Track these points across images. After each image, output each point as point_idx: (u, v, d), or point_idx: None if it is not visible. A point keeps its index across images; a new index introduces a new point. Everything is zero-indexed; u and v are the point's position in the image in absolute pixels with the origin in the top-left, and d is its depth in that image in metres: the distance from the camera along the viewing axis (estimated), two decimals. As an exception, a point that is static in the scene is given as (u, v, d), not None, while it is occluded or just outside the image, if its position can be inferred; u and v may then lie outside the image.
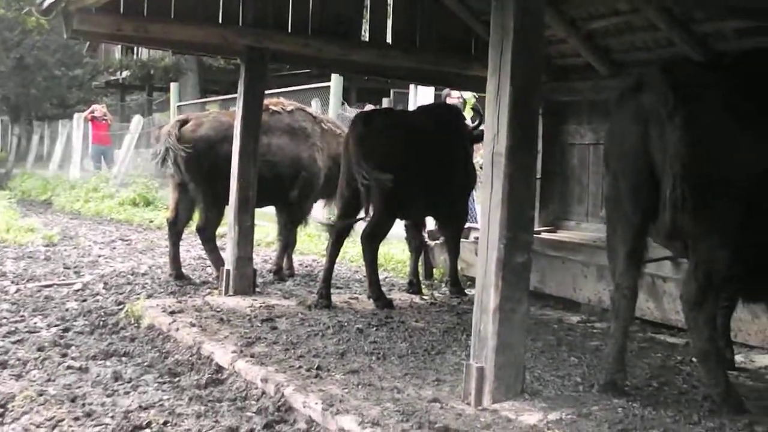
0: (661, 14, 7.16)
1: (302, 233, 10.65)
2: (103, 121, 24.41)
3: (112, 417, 4.59)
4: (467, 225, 8.81)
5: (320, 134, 9.38)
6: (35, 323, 6.89)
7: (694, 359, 5.25)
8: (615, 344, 4.87)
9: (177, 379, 5.38)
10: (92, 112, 24.88)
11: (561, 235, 8.79)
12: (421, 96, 13.10)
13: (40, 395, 4.90)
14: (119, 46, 32.12)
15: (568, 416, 4.39)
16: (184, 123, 8.88)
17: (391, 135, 7.46)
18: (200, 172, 8.56)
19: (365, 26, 8.83)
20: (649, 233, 4.89)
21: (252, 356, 5.51)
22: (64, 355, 5.89)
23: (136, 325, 6.83)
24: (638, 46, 7.96)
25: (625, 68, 8.15)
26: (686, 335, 5.89)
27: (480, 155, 8.53)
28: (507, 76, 4.60)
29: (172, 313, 6.83)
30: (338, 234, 7.61)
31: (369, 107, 14.22)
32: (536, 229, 8.19)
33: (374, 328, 6.57)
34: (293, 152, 9.06)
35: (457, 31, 8.93)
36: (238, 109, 8.02)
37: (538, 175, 8.58)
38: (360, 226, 7.77)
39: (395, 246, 10.44)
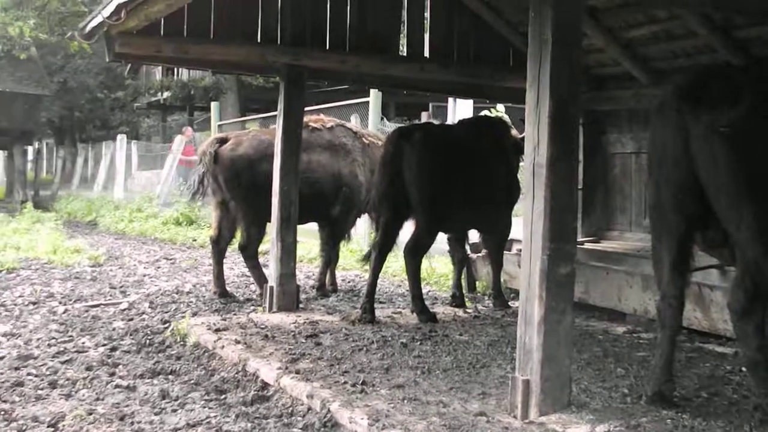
0: (700, 21, 7.10)
1: (345, 249, 10.67)
2: (190, 144, 24.15)
3: (161, 435, 4.63)
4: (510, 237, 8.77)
5: (361, 149, 9.41)
6: (83, 343, 6.97)
7: (743, 369, 5.18)
8: (662, 355, 4.81)
9: (223, 396, 5.40)
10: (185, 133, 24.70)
11: (604, 245, 8.73)
12: (459, 109, 13.10)
13: (90, 414, 4.94)
14: (160, 68, 32.59)
15: (616, 428, 4.35)
16: (221, 141, 8.96)
17: (430, 149, 7.46)
18: (241, 191, 8.63)
19: (402, 41, 8.85)
20: (695, 241, 4.84)
21: (297, 372, 5.52)
22: (112, 374, 5.95)
23: (182, 343, 6.88)
24: (678, 53, 7.89)
25: (665, 76, 8.09)
26: (735, 344, 5.82)
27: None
28: (546, 87, 4.60)
29: (217, 330, 6.88)
30: (381, 248, 7.62)
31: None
32: (579, 239, 8.14)
33: (418, 342, 6.56)
34: (334, 168, 9.09)
35: (494, 44, 8.92)
36: (278, 127, 8.07)
37: (580, 186, 8.55)
38: (402, 241, 7.77)
39: (438, 260, 10.44)
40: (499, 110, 12.64)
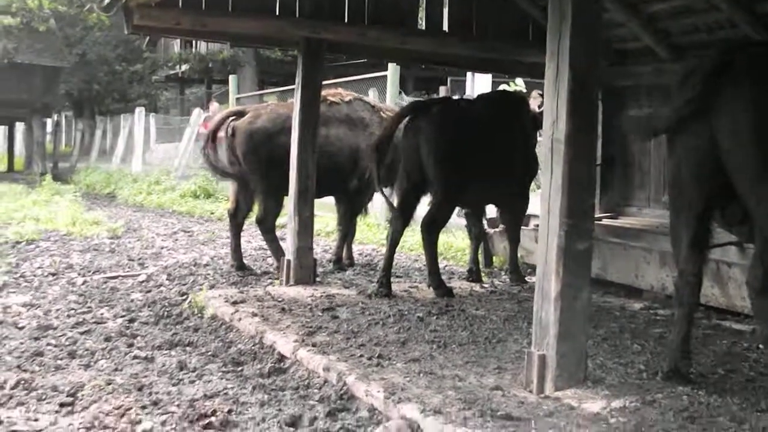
0: (722, -5, 7.03)
1: (362, 223, 10.69)
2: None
3: (178, 405, 4.66)
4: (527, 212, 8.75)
5: (379, 123, 9.36)
6: (102, 314, 7.02)
7: (760, 346, 5.17)
8: (679, 331, 4.80)
9: (240, 368, 5.43)
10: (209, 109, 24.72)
11: (622, 221, 8.70)
12: (478, 84, 13.05)
13: (108, 384, 4.98)
14: (178, 41, 32.62)
15: (632, 404, 4.35)
16: (238, 115, 8.96)
17: (448, 124, 7.44)
18: (259, 164, 8.63)
19: (422, 14, 8.80)
20: (714, 218, 4.82)
21: (314, 345, 5.55)
22: (131, 345, 6.00)
23: (199, 315, 6.93)
24: (699, 28, 7.81)
25: (686, 51, 8.02)
26: (752, 321, 5.80)
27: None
28: (566, 61, 4.56)
29: (234, 303, 6.92)
30: (398, 223, 7.62)
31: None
32: (597, 215, 8.12)
33: (435, 317, 6.57)
34: (352, 142, 9.07)
35: (513, 18, 8.85)
36: (296, 100, 8.06)
37: (599, 161, 8.50)
38: (420, 215, 7.77)
39: (455, 234, 10.43)
40: (518, 84, 12.56)
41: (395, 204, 7.82)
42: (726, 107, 4.39)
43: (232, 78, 24.37)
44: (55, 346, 5.91)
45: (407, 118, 7.58)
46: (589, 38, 4.65)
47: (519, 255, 8.45)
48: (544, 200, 4.71)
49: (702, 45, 7.71)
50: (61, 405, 4.66)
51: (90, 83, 37.25)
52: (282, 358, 5.56)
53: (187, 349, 5.96)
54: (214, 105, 25.20)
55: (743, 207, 4.55)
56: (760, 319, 4.54)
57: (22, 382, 4.97)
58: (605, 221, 8.63)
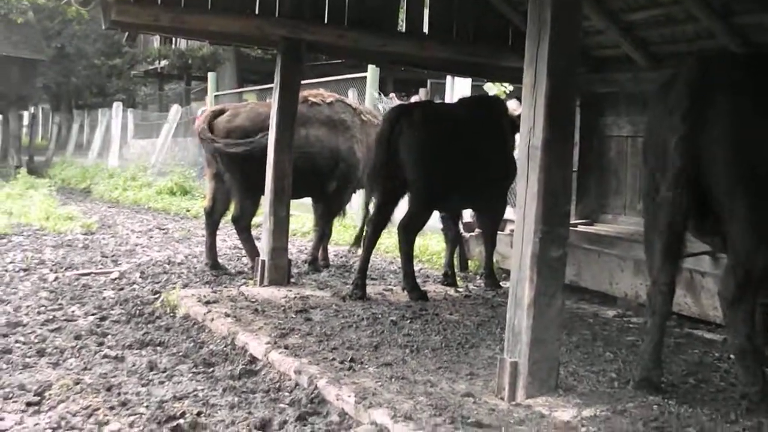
0: (701, 6, 7.06)
1: (338, 224, 10.67)
2: None
3: (147, 406, 4.62)
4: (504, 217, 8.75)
5: (360, 126, 9.37)
6: (73, 312, 6.96)
7: (731, 356, 5.18)
8: (651, 340, 4.80)
9: (211, 369, 5.39)
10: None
11: (598, 229, 8.72)
12: (458, 87, 13.04)
13: (77, 384, 4.94)
14: (158, 36, 32.37)
15: (603, 413, 4.35)
16: (217, 114, 8.92)
17: (428, 128, 7.43)
18: (236, 163, 8.58)
19: (402, 17, 8.79)
20: (688, 228, 4.83)
21: (286, 347, 5.52)
22: (101, 344, 5.94)
23: (171, 314, 6.88)
24: (678, 37, 7.84)
25: (663, 60, 8.05)
26: (724, 331, 5.82)
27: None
28: (544, 67, 4.56)
29: (207, 303, 6.87)
30: (375, 225, 7.61)
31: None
32: (573, 222, 8.13)
33: (408, 321, 6.55)
34: (332, 144, 9.06)
35: (493, 22, 8.86)
36: (274, 100, 8.03)
37: (575, 168, 8.52)
38: (397, 218, 7.76)
39: (431, 237, 10.43)
40: (506, 87, 12.52)
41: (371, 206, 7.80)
42: (702, 120, 4.40)
43: (211, 75, 24.23)
44: (24, 343, 5.85)
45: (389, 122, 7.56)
46: (568, 45, 4.65)
47: (494, 260, 8.47)
48: (519, 206, 4.71)
49: (681, 54, 7.73)
50: (28, 404, 4.62)
51: (68, 77, 37.04)
52: (254, 359, 5.53)
53: (158, 348, 5.91)
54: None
55: (717, 218, 4.56)
56: (732, 330, 4.55)
57: (-11, 380, 4.92)
58: (581, 228, 8.64)
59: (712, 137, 4.35)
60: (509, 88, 11.96)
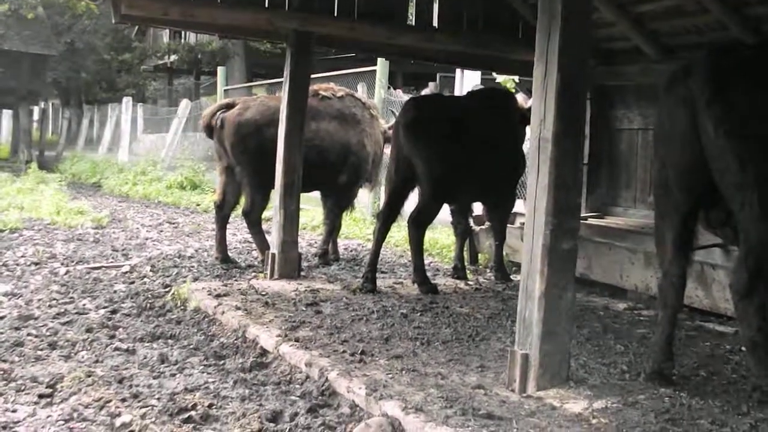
0: (712, -3, 7.03)
1: (347, 217, 10.67)
2: None
3: (159, 399, 4.64)
4: (513, 210, 8.74)
5: (369, 120, 9.38)
6: (84, 305, 6.98)
7: (743, 349, 5.17)
8: (662, 332, 4.80)
9: (222, 362, 5.41)
10: None
11: (608, 221, 8.70)
12: (467, 80, 13.04)
13: (89, 376, 4.95)
14: (167, 31, 32.46)
15: (614, 405, 4.35)
16: (228, 107, 8.93)
17: (440, 121, 7.43)
18: (246, 156, 8.59)
19: (411, 10, 8.78)
20: (699, 220, 4.82)
21: (296, 340, 5.53)
22: (112, 337, 5.96)
23: (182, 307, 6.89)
24: (689, 29, 7.82)
25: (674, 52, 8.03)
26: (735, 324, 5.81)
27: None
28: (554, 60, 4.55)
29: (217, 296, 6.89)
30: (385, 218, 7.62)
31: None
32: (583, 214, 8.13)
33: (419, 314, 6.56)
34: (343, 137, 9.06)
35: (503, 15, 8.84)
36: (284, 93, 8.02)
37: (586, 161, 8.51)
38: (407, 211, 7.76)
39: (441, 231, 10.42)
40: (514, 79, 12.49)
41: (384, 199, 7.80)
42: (712, 110, 4.38)
43: (220, 70, 24.26)
44: (36, 336, 5.87)
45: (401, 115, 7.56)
46: (579, 38, 4.64)
47: (504, 253, 8.46)
48: (530, 199, 4.70)
49: (691, 46, 7.71)
50: (40, 396, 4.64)
51: (78, 72, 37.14)
52: (264, 352, 5.54)
53: (169, 341, 5.93)
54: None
55: (728, 210, 4.55)
56: (743, 322, 4.53)
57: (1, 372, 4.95)
58: (591, 220, 8.63)
59: (721, 129, 4.33)
60: (517, 79, 11.93)
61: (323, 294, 7.19)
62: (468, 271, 8.50)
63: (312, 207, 11.92)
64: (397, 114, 8.31)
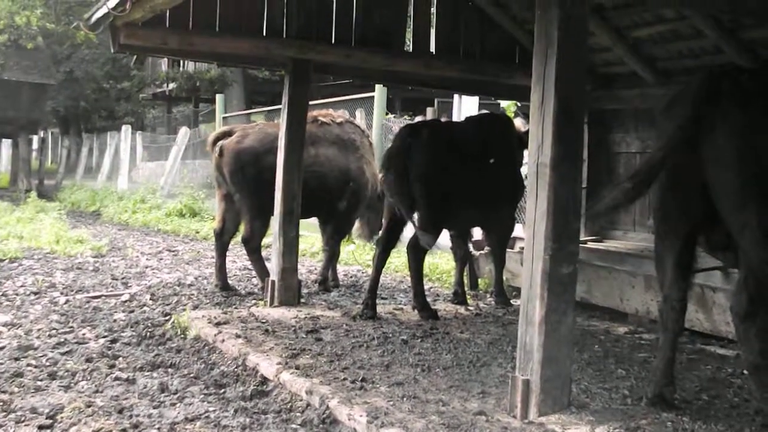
0: (708, 21, 7.06)
1: (347, 244, 10.66)
2: None
3: (159, 429, 4.62)
4: (513, 235, 8.74)
5: (368, 147, 9.42)
6: (84, 334, 6.96)
7: (744, 372, 5.16)
8: (663, 356, 4.79)
9: (222, 390, 5.39)
10: None
11: (607, 245, 8.70)
12: (465, 106, 13.06)
13: (89, 406, 4.94)
14: (166, 59, 32.56)
15: (616, 430, 4.34)
16: (225, 135, 8.96)
17: (436, 146, 7.44)
18: (245, 184, 8.60)
19: (408, 36, 8.82)
20: (699, 243, 4.82)
21: (297, 368, 5.51)
22: (112, 366, 5.94)
23: (182, 336, 6.88)
24: (685, 53, 7.86)
25: (671, 76, 8.06)
26: (737, 347, 5.80)
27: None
28: (551, 85, 4.56)
29: (217, 324, 6.87)
30: (384, 244, 7.62)
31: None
32: (582, 238, 8.11)
33: (419, 340, 6.55)
34: (342, 163, 9.08)
35: (500, 41, 8.88)
36: (282, 121, 8.05)
37: (584, 185, 8.50)
38: (406, 237, 7.76)
39: (440, 256, 10.42)
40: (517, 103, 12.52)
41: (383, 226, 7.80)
42: (711, 133, 4.39)
43: (219, 97, 24.34)
44: (36, 366, 5.85)
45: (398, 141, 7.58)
46: (575, 63, 4.66)
47: (504, 278, 8.46)
48: (529, 224, 4.70)
49: (688, 70, 7.74)
50: (40, 427, 4.61)
51: (77, 100, 37.23)
52: (265, 380, 5.52)
53: (169, 370, 5.91)
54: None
55: (728, 233, 4.55)
56: (744, 345, 4.52)
57: (1, 403, 4.92)
58: (590, 244, 8.62)
59: (720, 151, 4.34)
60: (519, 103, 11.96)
61: (323, 321, 7.18)
62: (468, 297, 8.48)
63: (311, 233, 11.91)
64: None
